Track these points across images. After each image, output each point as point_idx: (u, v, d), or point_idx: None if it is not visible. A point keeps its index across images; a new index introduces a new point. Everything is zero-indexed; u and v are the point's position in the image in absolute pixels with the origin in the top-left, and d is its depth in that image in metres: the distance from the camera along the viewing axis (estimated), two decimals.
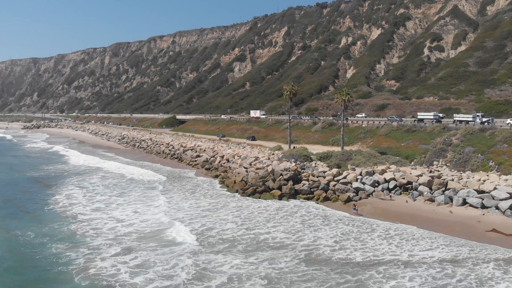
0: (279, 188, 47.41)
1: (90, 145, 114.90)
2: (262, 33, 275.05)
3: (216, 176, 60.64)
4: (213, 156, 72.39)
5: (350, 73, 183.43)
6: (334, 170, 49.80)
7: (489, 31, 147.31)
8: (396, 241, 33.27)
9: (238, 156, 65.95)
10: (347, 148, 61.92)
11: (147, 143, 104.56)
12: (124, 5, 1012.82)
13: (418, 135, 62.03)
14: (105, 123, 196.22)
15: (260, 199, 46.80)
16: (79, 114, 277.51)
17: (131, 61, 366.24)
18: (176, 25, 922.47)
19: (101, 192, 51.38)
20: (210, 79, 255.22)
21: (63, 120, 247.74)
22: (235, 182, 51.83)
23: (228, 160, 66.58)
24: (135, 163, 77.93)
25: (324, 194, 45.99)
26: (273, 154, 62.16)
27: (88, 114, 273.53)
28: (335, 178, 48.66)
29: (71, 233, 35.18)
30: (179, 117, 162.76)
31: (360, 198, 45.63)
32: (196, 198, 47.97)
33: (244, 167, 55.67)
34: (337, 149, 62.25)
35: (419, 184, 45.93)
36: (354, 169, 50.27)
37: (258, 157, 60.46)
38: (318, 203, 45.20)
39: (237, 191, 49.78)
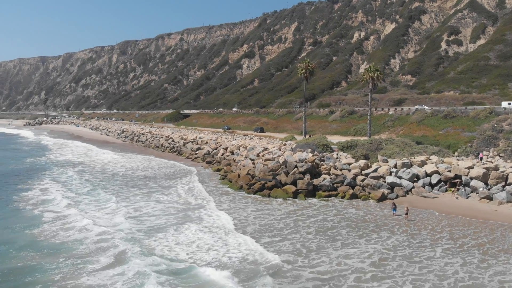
0: (294, 183, 37.71)
1: (84, 140, 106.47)
2: (272, 29, 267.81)
3: (218, 170, 51.28)
4: (216, 149, 63.24)
5: (363, 68, 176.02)
6: (362, 162, 40.15)
7: (509, 24, 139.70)
8: (477, 258, 22.94)
9: (243, 147, 56.64)
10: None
11: (146, 136, 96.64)
12: (132, 3, 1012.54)
13: (459, 121, 52.16)
14: (108, 119, 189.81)
15: (270, 197, 37.01)
16: (83, 111, 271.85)
17: (138, 59, 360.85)
18: (184, 22, 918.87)
19: (71, 187, 42.35)
20: (218, 76, 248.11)
21: (66, 117, 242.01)
22: (239, 176, 42.34)
23: (232, 153, 57.31)
24: (123, 156, 69.16)
25: (351, 191, 36.21)
26: (284, 144, 52.72)
27: (92, 111, 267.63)
28: (363, 172, 39.06)
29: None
30: (183, 111, 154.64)
31: (397, 196, 36.01)
32: (167, 202, 35.87)
33: (251, 159, 46.24)
34: (361, 139, 52.44)
35: (471, 178, 36.36)
36: (386, 161, 40.65)
37: (267, 148, 51.07)
38: (344, 202, 35.35)
39: (241, 187, 40.27)
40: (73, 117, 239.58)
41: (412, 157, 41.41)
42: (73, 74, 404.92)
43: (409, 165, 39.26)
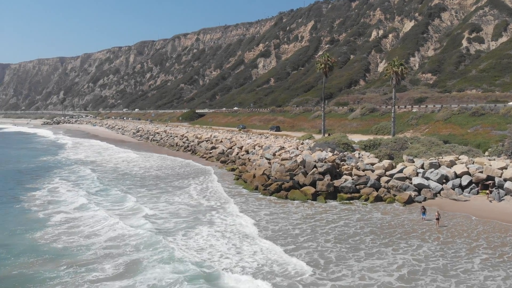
0: (313, 184, 35.30)
1: (99, 139, 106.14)
2: (288, 28, 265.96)
3: (233, 170, 49.27)
4: (231, 148, 61.30)
5: (381, 66, 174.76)
6: (386, 162, 37.55)
7: None
8: None
9: (259, 146, 54.50)
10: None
11: (160, 135, 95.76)
12: (149, 3, 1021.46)
13: (489, 119, 49.09)
14: (124, 118, 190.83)
15: (287, 199, 34.67)
16: (101, 111, 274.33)
17: (155, 59, 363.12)
18: (200, 22, 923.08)
19: (80, 187, 40.78)
20: (233, 75, 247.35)
21: (83, 116, 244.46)
22: (254, 177, 40.22)
23: (247, 152, 55.27)
24: (136, 154, 67.69)
25: (375, 193, 33.65)
26: (302, 143, 50.41)
27: (109, 111, 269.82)
28: (388, 172, 36.42)
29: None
30: (198, 110, 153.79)
31: (425, 199, 33.34)
32: (177, 203, 33.76)
33: (267, 158, 44.06)
34: (385, 138, 49.63)
35: (505, 180, 33.52)
36: (412, 161, 37.94)
37: (283, 147, 48.87)
38: (367, 205, 32.84)
39: (256, 188, 38.10)
40: (90, 116, 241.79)
41: (440, 157, 38.62)
42: (91, 75, 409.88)
43: (437, 166, 36.50)
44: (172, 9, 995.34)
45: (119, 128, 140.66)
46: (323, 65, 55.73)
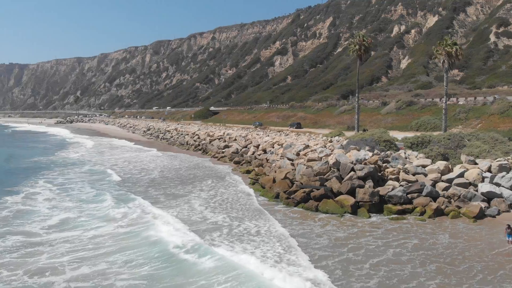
0: (351, 192, 27.38)
1: (108, 137, 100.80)
2: (305, 25, 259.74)
3: (248, 172, 41.93)
4: (246, 146, 54.06)
5: (405, 63, 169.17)
6: (441, 164, 29.60)
7: None
8: None
9: (278, 144, 47.02)
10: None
11: (171, 133, 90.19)
12: (165, 3, 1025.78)
13: None
14: (138, 117, 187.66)
15: (317, 212, 26.65)
16: (116, 110, 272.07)
17: (171, 58, 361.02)
18: (216, 21, 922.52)
19: (59, 194, 34.05)
20: (249, 74, 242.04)
21: (97, 115, 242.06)
22: (274, 181, 32.78)
23: (265, 151, 47.86)
24: (141, 154, 61.04)
25: (433, 205, 25.54)
26: (331, 141, 42.74)
27: (123, 110, 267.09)
28: (444, 177, 28.49)
29: None
30: (212, 108, 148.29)
31: (499, 212, 25.34)
32: (174, 216, 26.32)
33: (289, 159, 36.50)
34: (435, 134, 41.44)
35: None
36: (473, 162, 29.99)
37: (308, 145, 41.31)
38: (425, 222, 24.83)
39: (277, 196, 30.56)
40: (104, 115, 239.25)
41: (509, 157, 30.58)
42: (108, 74, 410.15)
43: (508, 168, 28.52)
44: (188, 9, 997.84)
45: (130, 127, 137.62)
46: (357, 47, 46.75)
